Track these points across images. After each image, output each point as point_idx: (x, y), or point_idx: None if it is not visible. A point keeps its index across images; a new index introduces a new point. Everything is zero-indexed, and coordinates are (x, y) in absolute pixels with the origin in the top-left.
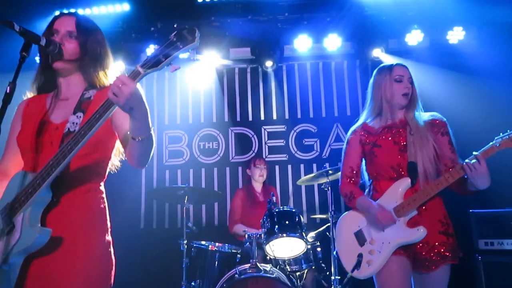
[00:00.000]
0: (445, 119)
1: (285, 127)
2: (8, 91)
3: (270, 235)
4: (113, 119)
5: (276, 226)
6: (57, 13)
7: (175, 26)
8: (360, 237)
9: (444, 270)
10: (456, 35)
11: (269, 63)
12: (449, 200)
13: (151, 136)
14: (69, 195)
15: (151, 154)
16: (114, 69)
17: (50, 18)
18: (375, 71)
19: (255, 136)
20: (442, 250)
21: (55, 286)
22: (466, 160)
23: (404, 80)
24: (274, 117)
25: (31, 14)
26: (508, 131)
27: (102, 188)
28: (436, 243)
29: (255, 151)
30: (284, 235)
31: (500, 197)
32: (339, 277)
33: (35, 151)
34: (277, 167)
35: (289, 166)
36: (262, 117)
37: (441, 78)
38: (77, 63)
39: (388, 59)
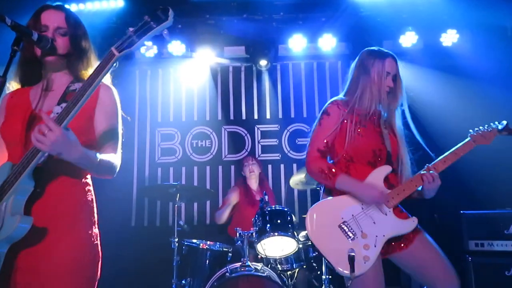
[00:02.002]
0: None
1: (279, 127)
2: None
3: (262, 234)
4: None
5: (268, 225)
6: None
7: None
8: (347, 230)
9: (420, 236)
10: (449, 38)
11: (263, 62)
12: (440, 201)
13: (96, 165)
14: (55, 186)
15: (115, 168)
16: (97, 62)
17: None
18: (365, 53)
19: (248, 135)
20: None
21: (42, 278)
22: (423, 171)
23: (389, 78)
24: (268, 116)
25: (24, 8)
26: (481, 127)
27: (89, 180)
28: None
29: (248, 150)
30: (276, 234)
31: (491, 198)
32: (330, 277)
33: (20, 143)
34: (269, 167)
35: (282, 166)
36: (256, 116)
37: (435, 80)
38: (65, 57)
39: None
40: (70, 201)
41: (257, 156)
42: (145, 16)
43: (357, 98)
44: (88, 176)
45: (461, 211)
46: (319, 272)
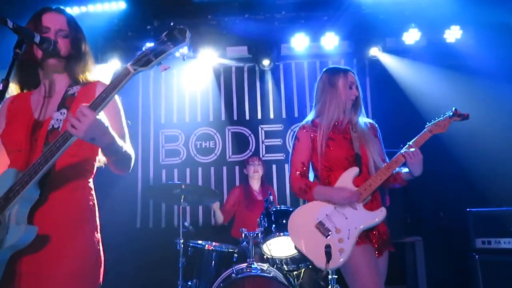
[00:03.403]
0: (376, 125)
1: (282, 126)
2: (1, 88)
3: (267, 234)
4: None
5: (273, 225)
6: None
7: (171, 24)
8: (322, 229)
9: (386, 256)
10: (453, 34)
11: (266, 62)
12: (446, 199)
13: (123, 153)
14: (57, 193)
15: (132, 161)
16: (95, 65)
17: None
18: (327, 71)
19: (252, 135)
20: (385, 238)
21: (45, 283)
22: (404, 149)
23: (353, 88)
24: (271, 116)
25: (25, 11)
26: (436, 118)
27: (91, 185)
28: (382, 231)
29: (252, 150)
30: (281, 234)
31: (497, 196)
32: (336, 276)
33: (25, 151)
34: (274, 166)
35: (286, 165)
36: (259, 116)
37: (438, 76)
38: (65, 60)
39: (385, 58)
40: (72, 207)
41: (261, 156)
42: (162, 35)
43: (325, 111)
44: (91, 181)
45: (468, 209)
46: (325, 272)
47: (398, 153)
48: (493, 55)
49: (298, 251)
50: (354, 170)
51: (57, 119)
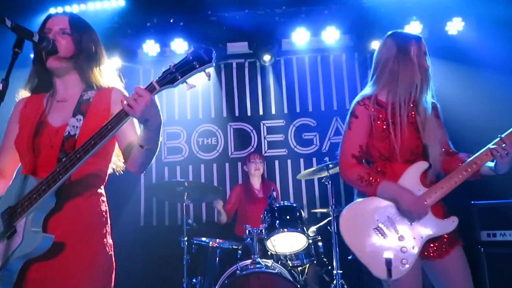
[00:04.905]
0: (438, 104)
1: (284, 122)
2: (0, 88)
3: (271, 230)
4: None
5: (277, 221)
6: (52, 10)
7: (171, 21)
8: (383, 233)
9: (458, 250)
10: (455, 26)
11: (267, 57)
12: (451, 191)
13: (158, 145)
14: (71, 200)
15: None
16: (110, 69)
17: (44, 16)
18: (393, 36)
19: (254, 131)
20: (446, 236)
21: None
22: (493, 145)
23: (426, 60)
24: (273, 111)
25: (26, 11)
26: None
27: (102, 191)
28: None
29: (254, 146)
30: (285, 230)
31: (503, 188)
32: (341, 271)
33: (33, 154)
34: (276, 162)
35: (289, 161)
36: (261, 112)
37: (440, 69)
38: (72, 61)
39: None
40: (85, 212)
41: (263, 152)
42: (187, 54)
43: (396, 85)
44: (102, 187)
45: (472, 201)
46: (330, 267)
47: (486, 148)
48: (495, 47)
49: (353, 254)
50: (423, 165)
51: (73, 126)
